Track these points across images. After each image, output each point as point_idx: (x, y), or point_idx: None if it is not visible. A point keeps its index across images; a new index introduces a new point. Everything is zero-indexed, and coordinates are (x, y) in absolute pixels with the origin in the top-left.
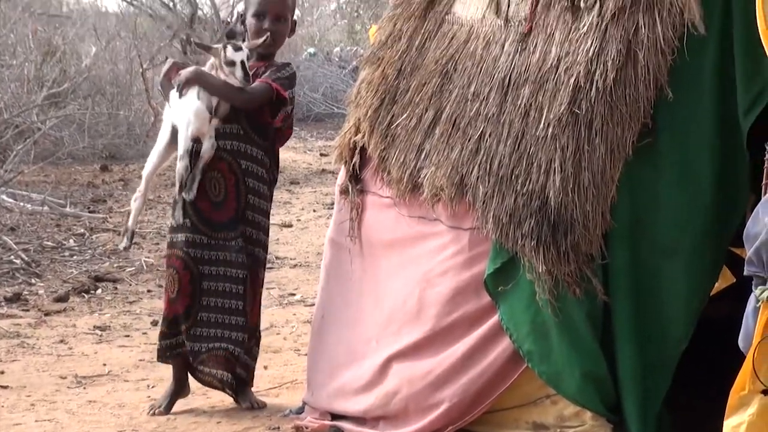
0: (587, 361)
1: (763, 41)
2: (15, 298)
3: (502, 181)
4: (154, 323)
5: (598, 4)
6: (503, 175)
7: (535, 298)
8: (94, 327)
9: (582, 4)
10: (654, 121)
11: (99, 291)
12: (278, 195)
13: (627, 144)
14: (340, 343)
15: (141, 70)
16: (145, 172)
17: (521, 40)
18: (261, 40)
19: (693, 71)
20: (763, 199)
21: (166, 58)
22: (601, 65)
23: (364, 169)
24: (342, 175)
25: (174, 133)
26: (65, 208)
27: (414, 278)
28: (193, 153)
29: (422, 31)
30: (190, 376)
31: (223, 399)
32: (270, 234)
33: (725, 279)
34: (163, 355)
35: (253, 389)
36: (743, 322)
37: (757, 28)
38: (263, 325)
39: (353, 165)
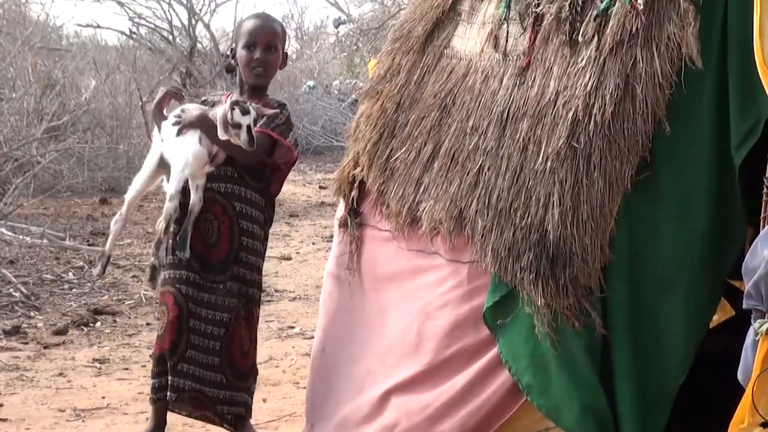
0: (586, 394)
1: (760, 75)
2: (14, 331)
3: (500, 215)
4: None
5: (596, 39)
6: (502, 208)
7: (534, 331)
8: (93, 360)
9: (580, 39)
10: (652, 154)
11: (98, 324)
12: (277, 228)
13: (625, 178)
14: (340, 376)
15: (140, 103)
16: (128, 197)
17: (520, 74)
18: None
19: (691, 105)
20: (761, 232)
21: (167, 87)
22: (600, 99)
23: (363, 203)
24: (341, 209)
25: (161, 161)
26: (64, 241)
27: (413, 311)
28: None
29: (421, 65)
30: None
31: None
32: (269, 266)
33: (724, 312)
34: (151, 395)
35: (252, 422)
36: (742, 355)
37: (754, 62)
38: (262, 358)
39: (352, 198)
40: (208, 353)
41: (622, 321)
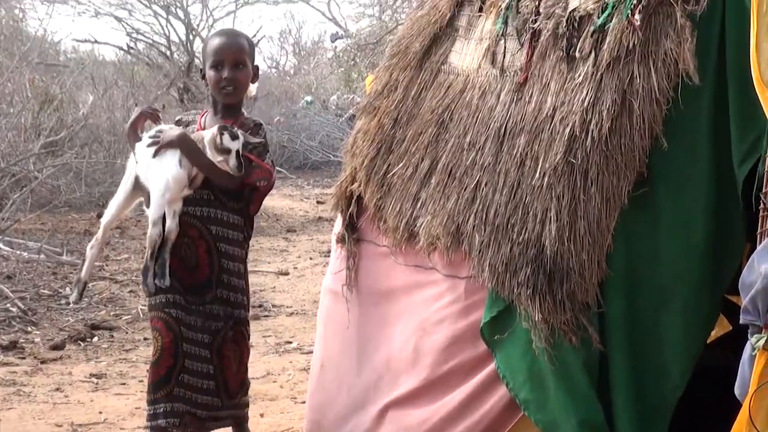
0: (584, 409)
1: (757, 91)
2: (11, 346)
3: (498, 230)
4: None
5: (593, 54)
6: (499, 224)
7: (531, 347)
8: (90, 375)
9: (577, 54)
10: (649, 170)
11: (95, 339)
12: (275, 243)
13: (622, 193)
14: (341, 391)
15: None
16: (104, 221)
17: (517, 90)
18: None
19: (688, 121)
20: (758, 247)
21: (163, 107)
22: (597, 115)
23: (361, 218)
24: (339, 224)
25: (137, 184)
26: (62, 256)
27: (410, 327)
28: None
29: (418, 80)
30: None
31: None
32: (266, 281)
33: (721, 327)
34: (149, 422)
35: None
36: (739, 369)
37: (752, 77)
38: (260, 373)
39: (350, 214)
40: (203, 377)
41: (619, 336)
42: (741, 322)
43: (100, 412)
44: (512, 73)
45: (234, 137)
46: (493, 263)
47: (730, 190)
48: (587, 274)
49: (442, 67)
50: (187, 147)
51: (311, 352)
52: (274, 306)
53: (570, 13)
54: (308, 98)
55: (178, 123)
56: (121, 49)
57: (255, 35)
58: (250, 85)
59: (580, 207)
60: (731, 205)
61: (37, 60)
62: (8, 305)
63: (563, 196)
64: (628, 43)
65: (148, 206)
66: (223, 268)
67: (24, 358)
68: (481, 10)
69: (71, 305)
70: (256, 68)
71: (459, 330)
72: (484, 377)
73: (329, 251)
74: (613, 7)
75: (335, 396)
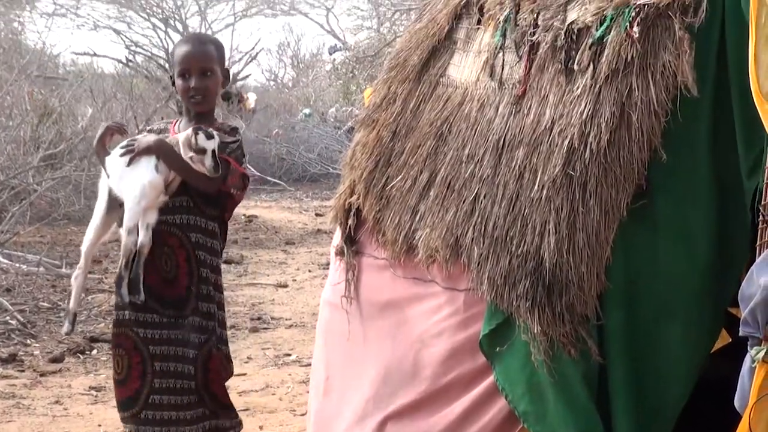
0: (583, 421)
1: (756, 104)
2: (10, 359)
3: (496, 243)
4: None
5: (591, 67)
6: (498, 236)
7: (530, 359)
8: (89, 387)
9: (575, 67)
10: (648, 182)
11: (94, 351)
12: (273, 255)
13: (621, 205)
14: (342, 404)
15: (137, 131)
16: (84, 248)
17: (515, 103)
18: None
19: (687, 133)
20: (758, 259)
21: (162, 119)
22: (595, 127)
23: (360, 231)
24: (337, 237)
25: (111, 204)
26: (61, 268)
27: (409, 339)
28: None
29: (417, 93)
30: None
31: None
32: (265, 294)
33: (721, 338)
34: None
35: None
36: (739, 381)
37: (751, 90)
38: (259, 385)
39: (349, 226)
40: (181, 393)
41: (618, 348)
42: (740, 334)
43: (99, 425)
44: (511, 86)
45: (209, 137)
46: (492, 276)
47: (731, 200)
48: (586, 286)
49: (441, 80)
50: (164, 152)
51: (310, 365)
52: (273, 318)
53: (568, 25)
54: (307, 111)
55: (149, 132)
56: (119, 61)
57: (253, 48)
58: (249, 96)
59: (579, 219)
60: (735, 217)
61: (36, 73)
62: (7, 318)
63: (562, 209)
64: (627, 55)
65: (121, 226)
66: (202, 277)
67: (23, 370)
68: (479, 22)
69: (64, 336)
70: (227, 72)
71: (458, 342)
72: (484, 389)
73: (328, 263)
74: (611, 20)
75: (338, 408)
